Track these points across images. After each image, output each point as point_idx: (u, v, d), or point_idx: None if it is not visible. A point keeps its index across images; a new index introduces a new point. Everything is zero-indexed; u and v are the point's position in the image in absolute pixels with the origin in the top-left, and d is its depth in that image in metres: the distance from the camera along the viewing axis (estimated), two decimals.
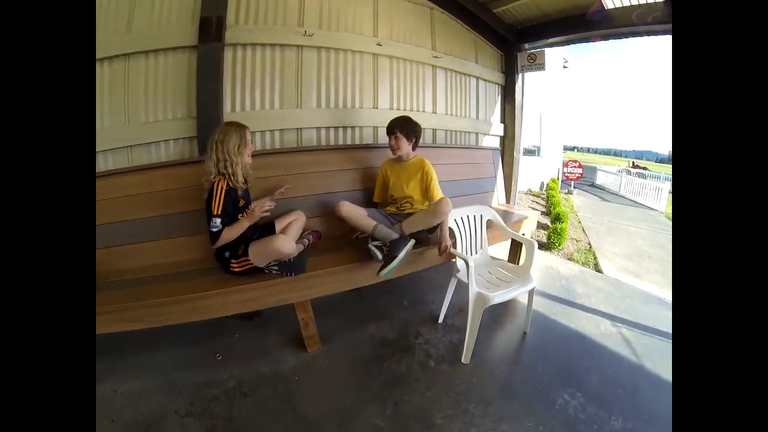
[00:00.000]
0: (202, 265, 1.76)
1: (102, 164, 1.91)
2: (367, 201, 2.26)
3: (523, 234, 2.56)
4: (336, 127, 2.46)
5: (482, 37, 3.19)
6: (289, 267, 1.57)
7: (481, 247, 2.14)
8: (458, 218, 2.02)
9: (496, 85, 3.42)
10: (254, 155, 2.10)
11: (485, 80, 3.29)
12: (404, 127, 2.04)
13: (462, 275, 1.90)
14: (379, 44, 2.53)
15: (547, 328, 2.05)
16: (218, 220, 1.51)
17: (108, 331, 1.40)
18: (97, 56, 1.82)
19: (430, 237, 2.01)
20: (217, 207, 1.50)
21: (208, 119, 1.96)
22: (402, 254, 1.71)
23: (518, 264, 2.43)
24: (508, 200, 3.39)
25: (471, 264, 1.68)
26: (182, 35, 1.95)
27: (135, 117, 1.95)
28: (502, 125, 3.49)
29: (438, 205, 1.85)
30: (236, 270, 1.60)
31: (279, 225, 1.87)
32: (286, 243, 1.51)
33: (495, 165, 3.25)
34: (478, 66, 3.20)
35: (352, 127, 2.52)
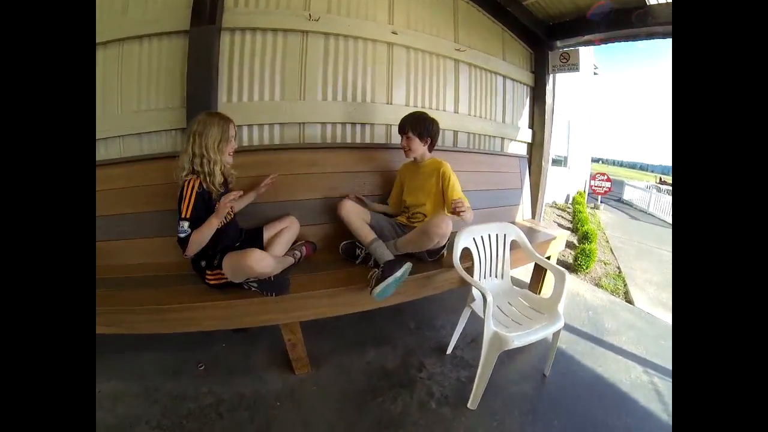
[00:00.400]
0: (181, 270, 1.56)
1: None
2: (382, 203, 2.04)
3: (549, 257, 2.24)
4: (343, 123, 2.20)
5: (510, 32, 2.88)
6: (269, 286, 1.33)
7: (502, 273, 1.83)
8: (477, 237, 1.72)
9: (525, 86, 3.09)
10: (250, 151, 1.90)
11: (513, 80, 2.97)
12: (416, 126, 1.78)
13: (477, 307, 1.62)
14: (394, 32, 2.25)
15: (570, 372, 1.75)
16: (186, 224, 1.29)
17: None
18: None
19: (432, 261, 1.72)
20: (186, 209, 1.28)
21: (200, 109, 1.76)
22: (398, 273, 1.45)
23: (540, 293, 2.12)
24: (533, 215, 3.01)
25: (489, 299, 1.39)
26: (177, 19, 1.78)
27: (127, 106, 1.84)
28: (530, 131, 3.16)
29: (431, 222, 1.54)
30: (212, 283, 1.39)
31: (268, 232, 1.65)
32: (261, 261, 1.26)
33: (522, 174, 2.89)
34: (506, 63, 2.88)
35: (362, 124, 2.25)
